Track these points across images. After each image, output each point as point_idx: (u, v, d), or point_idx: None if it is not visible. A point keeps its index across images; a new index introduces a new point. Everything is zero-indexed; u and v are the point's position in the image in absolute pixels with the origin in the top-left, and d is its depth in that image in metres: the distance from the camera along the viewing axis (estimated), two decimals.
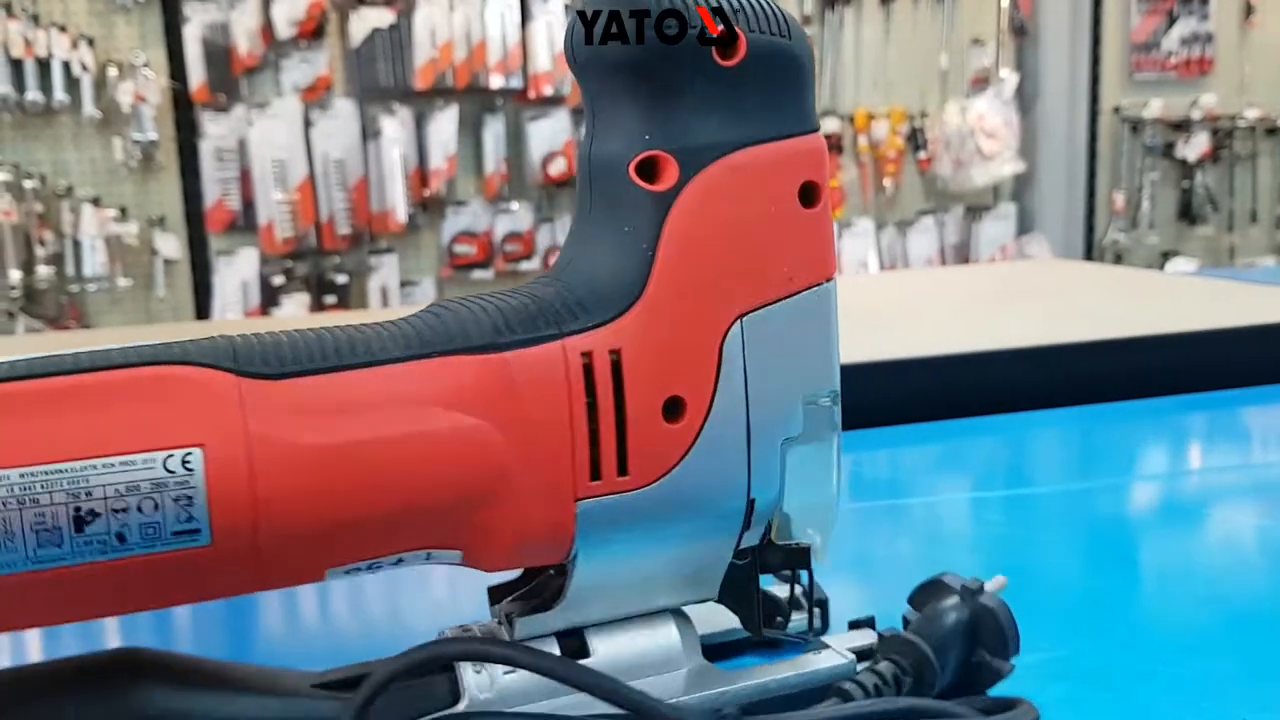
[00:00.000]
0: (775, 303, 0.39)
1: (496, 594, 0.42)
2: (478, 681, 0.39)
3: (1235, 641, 0.49)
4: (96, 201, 3.28)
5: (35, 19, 3.19)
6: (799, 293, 0.40)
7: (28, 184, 3.21)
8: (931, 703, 0.38)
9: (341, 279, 3.46)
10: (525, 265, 3.58)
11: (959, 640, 0.41)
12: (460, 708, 0.39)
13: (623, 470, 0.38)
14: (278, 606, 0.57)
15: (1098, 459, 0.85)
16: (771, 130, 0.39)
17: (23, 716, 0.36)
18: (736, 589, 0.43)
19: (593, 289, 0.39)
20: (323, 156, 3.37)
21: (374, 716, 0.36)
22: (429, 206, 3.52)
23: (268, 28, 3.33)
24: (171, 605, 0.37)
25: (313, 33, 3.36)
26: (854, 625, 0.46)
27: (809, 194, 0.40)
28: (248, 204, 3.37)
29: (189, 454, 0.34)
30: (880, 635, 0.43)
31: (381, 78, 3.39)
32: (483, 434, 0.37)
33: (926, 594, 0.43)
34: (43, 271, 3.22)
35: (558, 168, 3.52)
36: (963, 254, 4.12)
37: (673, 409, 0.39)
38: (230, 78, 3.34)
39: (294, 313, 3.36)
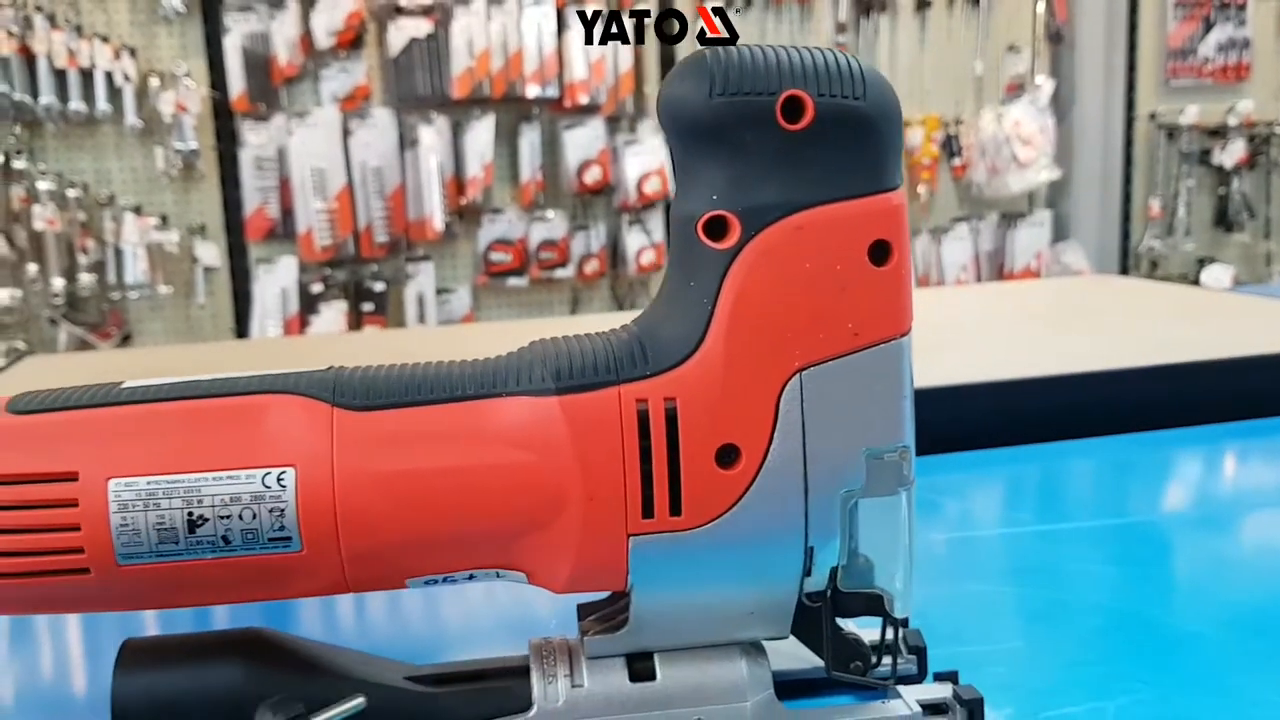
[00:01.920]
0: (838, 358, 0.41)
1: (584, 610, 0.46)
2: (549, 692, 0.43)
3: None
4: (138, 210, 3.32)
5: (79, 30, 3.23)
6: (864, 348, 0.41)
7: (71, 193, 3.26)
8: None
9: (379, 287, 3.48)
10: (560, 273, 3.60)
11: None
12: (530, 715, 0.43)
13: (675, 511, 0.41)
14: (398, 603, 0.62)
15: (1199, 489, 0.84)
16: (840, 190, 0.40)
17: (165, 677, 0.42)
18: (810, 630, 0.44)
19: (656, 340, 0.41)
20: (361, 165, 3.40)
21: (449, 708, 0.42)
22: (465, 214, 3.54)
23: (307, 38, 3.37)
24: (272, 599, 0.42)
25: (351, 43, 3.39)
26: (939, 677, 0.47)
27: (880, 252, 0.41)
28: (287, 212, 3.40)
29: (283, 473, 0.40)
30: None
31: (419, 87, 3.42)
32: (539, 469, 0.40)
33: None
34: (85, 279, 3.26)
35: (593, 176, 3.53)
36: (997, 261, 4.11)
37: (727, 456, 0.41)
38: (270, 87, 3.37)
39: (332, 320, 3.39)
